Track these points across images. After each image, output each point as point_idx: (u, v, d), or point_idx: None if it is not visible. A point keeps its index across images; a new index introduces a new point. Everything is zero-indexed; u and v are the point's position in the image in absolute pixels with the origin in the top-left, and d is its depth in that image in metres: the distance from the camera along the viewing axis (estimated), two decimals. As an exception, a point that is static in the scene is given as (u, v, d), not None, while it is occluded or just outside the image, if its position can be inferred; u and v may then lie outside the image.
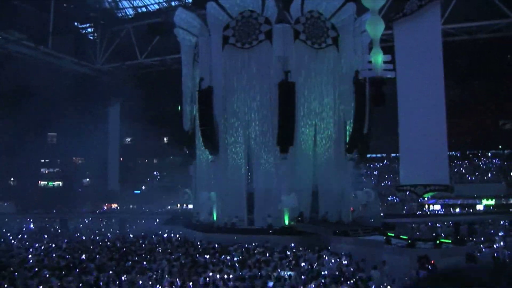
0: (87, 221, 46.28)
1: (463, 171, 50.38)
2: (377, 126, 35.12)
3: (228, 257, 21.83)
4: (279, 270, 18.25)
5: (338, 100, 32.28)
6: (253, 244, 25.47)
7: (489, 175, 49.77)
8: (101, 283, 15.49)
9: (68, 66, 50.93)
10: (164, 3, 51.06)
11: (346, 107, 32.21)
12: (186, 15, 34.41)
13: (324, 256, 21.82)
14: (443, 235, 28.71)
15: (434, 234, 28.93)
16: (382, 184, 49.11)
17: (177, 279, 16.34)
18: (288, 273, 17.47)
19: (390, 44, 28.85)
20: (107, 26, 52.26)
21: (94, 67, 53.94)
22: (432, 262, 12.33)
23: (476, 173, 49.78)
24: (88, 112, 50.37)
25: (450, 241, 21.65)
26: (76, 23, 54.26)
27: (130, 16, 53.42)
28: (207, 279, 16.42)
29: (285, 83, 29.57)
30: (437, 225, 37.56)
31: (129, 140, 61.13)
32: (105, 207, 53.11)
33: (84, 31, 56.74)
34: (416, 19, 26.88)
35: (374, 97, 21.70)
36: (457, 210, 43.41)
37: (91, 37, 56.78)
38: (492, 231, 33.56)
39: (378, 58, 16.97)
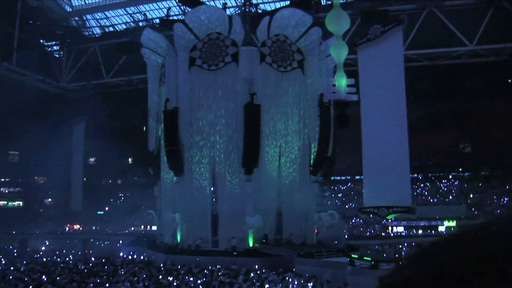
0: (47, 242, 45.20)
1: (425, 193, 51.38)
2: (341, 149, 35.70)
3: (192, 279, 21.66)
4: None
5: (303, 122, 32.69)
6: (217, 266, 25.28)
7: (450, 197, 50.88)
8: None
9: (32, 83, 50.19)
10: (131, 23, 51.06)
11: (311, 129, 32.59)
12: (153, 35, 34.44)
13: (288, 278, 21.85)
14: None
15: (397, 255, 29.33)
16: (347, 206, 49.62)
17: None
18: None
19: (354, 68, 29.51)
20: (74, 44, 51.89)
21: (59, 85, 53.31)
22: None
23: (438, 195, 50.83)
24: (52, 130, 49.54)
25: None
26: (41, 40, 53.64)
27: (97, 35, 53.19)
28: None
29: (251, 105, 29.78)
30: (400, 246, 38.03)
31: (93, 159, 60.31)
32: (67, 228, 52.02)
33: (50, 49, 56.14)
34: (380, 44, 27.66)
35: (338, 118, 22.14)
36: (420, 231, 44.18)
37: (57, 55, 56.20)
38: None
39: (342, 81, 17.33)
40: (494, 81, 49.18)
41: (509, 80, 35.25)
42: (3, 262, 29.23)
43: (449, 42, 43.16)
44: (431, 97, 53.25)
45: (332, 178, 41.23)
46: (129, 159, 58.80)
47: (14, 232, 45.87)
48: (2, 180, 57.91)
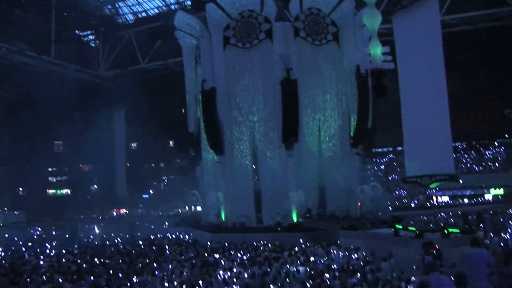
0: (96, 227, 46.47)
1: (470, 161, 50.28)
2: (381, 120, 35.16)
3: (238, 255, 21.91)
4: (288, 266, 18.28)
5: (341, 95, 32.34)
6: (262, 242, 25.46)
7: (497, 164, 49.63)
8: (112, 286, 15.56)
9: (71, 74, 51.23)
10: (163, 7, 51.36)
11: (349, 101, 32.24)
12: (186, 17, 34.57)
13: (333, 250, 21.84)
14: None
15: (442, 224, 28.90)
16: (389, 178, 49.08)
17: (189, 279, 16.40)
18: (298, 268, 17.51)
19: (390, 37, 28.94)
20: (108, 32, 52.50)
21: (97, 74, 54.28)
22: (437, 247, 12.39)
23: (483, 163, 49.65)
24: (93, 119, 50.66)
25: (458, 231, 21.62)
26: (77, 31, 54.57)
27: (130, 22, 53.77)
28: (218, 277, 16.51)
29: (288, 81, 29.62)
30: (444, 215, 37.45)
31: (135, 145, 61.35)
32: (114, 213, 53.33)
33: (85, 39, 57.12)
34: (415, 12, 26.95)
35: (375, 88, 21.72)
36: (466, 200, 43.33)
37: (93, 45, 57.17)
38: (501, 219, 33.43)
39: (377, 50, 16.96)
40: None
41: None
42: (56, 247, 30.19)
43: (490, 3, 41.64)
44: (473, 64, 51.75)
45: (373, 150, 40.79)
46: (170, 142, 59.61)
47: (63, 219, 47.31)
48: (50, 169, 59.67)
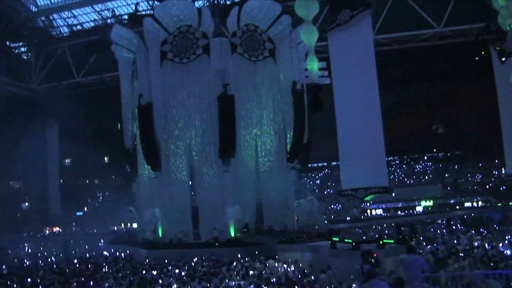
0: (27, 247, 44.70)
1: (402, 175, 52.22)
2: (316, 136, 35.96)
3: (176, 271, 21.71)
4: (227, 281, 18.29)
5: (278, 110, 32.88)
6: (200, 258, 25.33)
7: (426, 177, 51.81)
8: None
9: (1, 87, 49.24)
10: (100, 20, 50.49)
11: (285, 117, 32.82)
12: (123, 31, 34.19)
13: (271, 264, 22.01)
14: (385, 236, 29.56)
15: (377, 236, 29.74)
16: (325, 192, 50.13)
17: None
18: (237, 283, 17.56)
19: (325, 55, 29.74)
20: (42, 45, 51.04)
21: (29, 88, 52.48)
22: (375, 255, 12.84)
23: (414, 177, 51.72)
24: (25, 133, 48.78)
25: (392, 241, 22.36)
26: (8, 43, 52.69)
27: (65, 35, 52.45)
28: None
29: (225, 96, 29.81)
30: (379, 227, 38.59)
31: (68, 161, 59.62)
32: (47, 231, 51.46)
33: (17, 51, 55.20)
34: (349, 29, 27.72)
35: (312, 103, 22.26)
36: (398, 212, 44.90)
37: (25, 57, 55.29)
38: (432, 229, 34.87)
39: (314, 65, 17.50)
40: (462, 63, 50.02)
41: (476, 58, 35.81)
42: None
43: (417, 25, 43.89)
44: (402, 82, 54.08)
45: (309, 165, 41.62)
46: (105, 158, 58.31)
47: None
48: (-24, 187, 56.78)
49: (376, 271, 9.30)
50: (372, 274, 8.49)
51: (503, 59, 23.11)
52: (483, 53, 31.73)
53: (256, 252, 25.47)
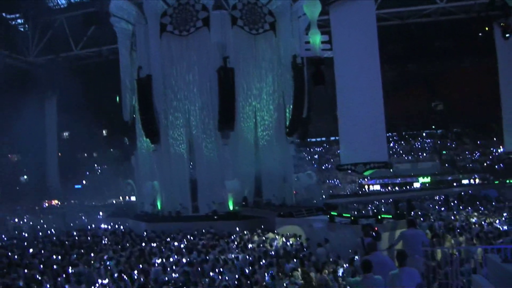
0: (26, 220, 44.87)
1: (400, 151, 52.31)
2: (315, 111, 35.89)
3: (175, 244, 21.85)
4: (226, 254, 18.41)
5: (277, 84, 32.74)
6: (199, 230, 25.47)
7: (424, 154, 51.92)
8: (47, 278, 15.09)
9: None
10: (97, -9, 49.77)
11: (285, 91, 32.69)
12: (122, 3, 33.79)
13: (270, 238, 22.16)
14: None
15: (375, 211, 29.95)
16: (323, 167, 50.25)
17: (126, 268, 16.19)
18: (236, 256, 17.69)
19: (327, 29, 29.47)
20: (39, 17, 50.38)
21: (27, 60, 52.00)
22: (376, 229, 12.89)
23: (412, 153, 51.82)
24: (23, 107, 48.52)
25: (390, 216, 22.51)
26: (4, 14, 52.02)
27: (63, 6, 51.78)
28: (156, 265, 16.41)
29: (224, 69, 29.64)
30: (377, 203, 38.81)
31: (67, 134, 59.49)
32: (46, 204, 51.62)
33: (14, 22, 54.53)
34: (351, 3, 27.44)
35: (313, 76, 22.15)
36: (396, 188, 45.13)
37: (22, 29, 54.65)
38: (431, 205, 35.14)
39: (317, 38, 17.43)
40: (463, 41, 49.80)
41: (479, 34, 35.56)
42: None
43: (419, 0, 43.45)
44: (403, 58, 53.80)
45: (308, 140, 41.66)
46: (104, 131, 58.22)
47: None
48: (-25, 160, 56.86)
49: (377, 244, 9.37)
50: (374, 246, 8.56)
51: (507, 35, 22.94)
52: (486, 29, 31.42)
53: (255, 226, 25.63)
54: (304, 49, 18.49)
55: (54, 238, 26.96)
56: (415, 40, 52.14)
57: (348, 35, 26.73)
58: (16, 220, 43.51)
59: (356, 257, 13.04)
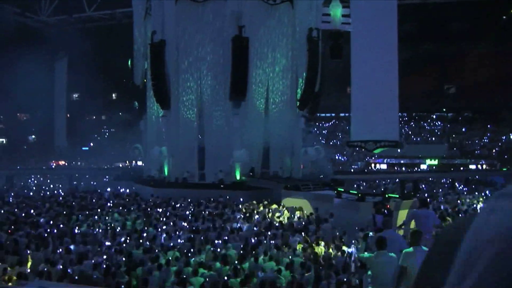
0: (33, 178, 45.24)
1: (409, 132, 52.10)
2: (327, 86, 35.60)
3: (181, 210, 21.94)
4: (231, 223, 18.48)
5: (291, 56, 32.38)
6: (205, 198, 25.52)
7: (433, 137, 51.72)
8: (53, 237, 15.18)
9: (9, 17, 48.41)
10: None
11: (299, 64, 32.35)
12: (137, -34, 33.36)
13: (275, 210, 22.21)
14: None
15: (382, 189, 29.94)
16: (331, 143, 50.13)
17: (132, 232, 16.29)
18: (242, 225, 17.75)
19: (346, 3, 29.06)
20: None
21: (39, 19, 51.62)
22: (388, 206, 12.86)
23: (422, 134, 51.60)
24: (33, 66, 48.37)
25: (397, 196, 22.48)
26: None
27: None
28: (160, 230, 16.50)
29: (239, 38, 29.29)
30: (383, 182, 38.85)
31: (76, 96, 59.49)
32: (53, 164, 51.93)
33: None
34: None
35: (332, 49, 21.94)
36: (402, 169, 45.04)
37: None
38: (440, 190, 35.10)
39: (337, 11, 17.20)
40: (479, 24, 48.98)
41: (503, 17, 34.92)
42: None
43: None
44: (418, 38, 53.05)
45: (317, 114, 41.41)
46: (113, 95, 58.16)
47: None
48: (-16, 117, 57.09)
49: (391, 221, 9.34)
50: (389, 224, 8.54)
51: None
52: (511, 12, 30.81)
53: (261, 197, 25.68)
54: (322, 22, 18.21)
55: (60, 198, 27.12)
56: (432, 20, 51.39)
57: (367, 11, 26.41)
58: (26, 178, 43.93)
59: (371, 233, 13.06)
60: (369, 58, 25.63)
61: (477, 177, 41.64)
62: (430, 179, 41.39)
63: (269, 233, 16.04)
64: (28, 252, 12.68)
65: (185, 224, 18.03)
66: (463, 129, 53.20)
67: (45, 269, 10.55)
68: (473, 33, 50.50)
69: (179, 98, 31.32)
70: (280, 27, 31.91)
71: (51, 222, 18.18)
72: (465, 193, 31.34)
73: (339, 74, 35.84)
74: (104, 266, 11.10)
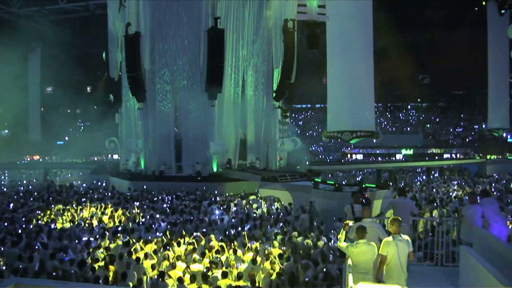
0: (7, 174, 44.53)
1: (384, 122, 52.63)
2: (304, 76, 35.70)
3: (158, 204, 21.86)
4: (209, 215, 18.51)
5: (267, 47, 32.39)
6: (182, 191, 25.48)
7: (408, 127, 52.39)
8: (29, 232, 14.99)
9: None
10: None
11: (274, 55, 32.41)
12: (111, -44, 32.86)
13: (253, 201, 22.28)
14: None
15: (358, 179, 30.26)
16: (307, 134, 50.43)
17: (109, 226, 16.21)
18: (220, 217, 17.78)
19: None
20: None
21: (10, 10, 50.49)
22: (366, 196, 13.00)
23: (397, 124, 52.19)
24: (5, 58, 47.45)
25: (374, 185, 22.76)
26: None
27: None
28: (140, 224, 16.45)
29: (214, 30, 29.19)
30: (360, 172, 39.22)
31: (50, 89, 58.54)
32: (27, 159, 51.18)
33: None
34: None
35: (308, 39, 21.96)
36: (379, 159, 45.56)
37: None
38: (415, 179, 35.60)
39: (314, 1, 17.22)
40: (453, 13, 49.56)
41: (475, 8, 35.40)
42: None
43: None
44: (392, 28, 53.38)
45: (294, 105, 41.61)
46: (88, 88, 57.42)
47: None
48: (-45, 112, 55.73)
49: (370, 210, 9.47)
50: (369, 213, 8.67)
51: (503, 11, 22.89)
52: (484, 3, 31.23)
53: (238, 188, 25.76)
54: (297, 12, 18.22)
55: (36, 193, 26.73)
56: (407, 8, 51.73)
57: (342, 0, 26.44)
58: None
59: (350, 223, 13.24)
60: (345, 47, 25.67)
61: (451, 165, 42.33)
62: (408, 168, 41.97)
63: (247, 224, 16.11)
64: (2, 248, 12.53)
65: (163, 216, 17.98)
66: (437, 119, 53.96)
67: (21, 265, 10.45)
68: (448, 22, 51.10)
69: (155, 91, 31.06)
70: (256, 18, 31.84)
71: (26, 217, 17.92)
72: (440, 181, 31.86)
73: (315, 64, 35.89)
74: (81, 260, 11.02)
